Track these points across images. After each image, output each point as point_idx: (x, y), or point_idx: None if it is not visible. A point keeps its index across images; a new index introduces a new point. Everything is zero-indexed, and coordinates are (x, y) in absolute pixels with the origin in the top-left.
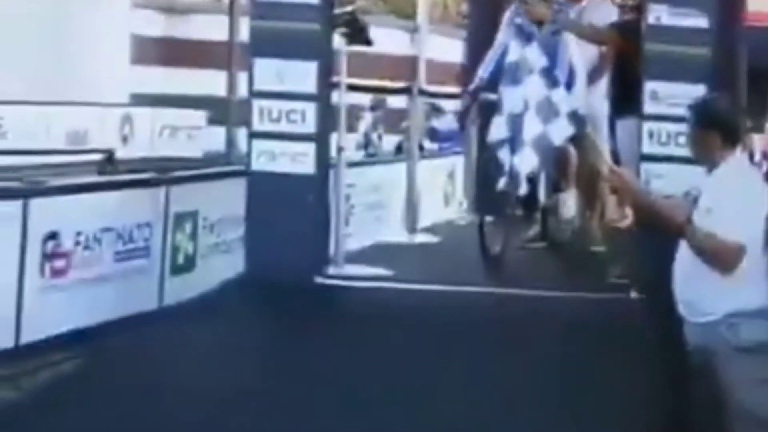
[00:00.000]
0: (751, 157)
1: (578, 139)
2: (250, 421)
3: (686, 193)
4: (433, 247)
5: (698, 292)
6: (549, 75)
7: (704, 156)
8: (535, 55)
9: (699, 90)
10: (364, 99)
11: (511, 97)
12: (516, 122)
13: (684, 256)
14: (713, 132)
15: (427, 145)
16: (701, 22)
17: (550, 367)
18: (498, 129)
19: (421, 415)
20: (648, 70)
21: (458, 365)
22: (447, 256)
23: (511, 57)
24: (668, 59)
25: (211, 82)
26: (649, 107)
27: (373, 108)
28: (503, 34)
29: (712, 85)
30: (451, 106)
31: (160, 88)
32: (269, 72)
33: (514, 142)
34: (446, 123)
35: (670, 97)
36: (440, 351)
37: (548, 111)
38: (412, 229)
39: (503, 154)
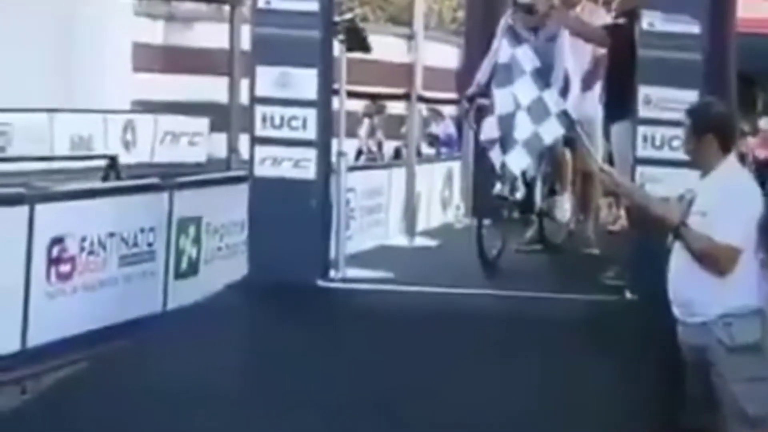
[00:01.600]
0: (743, 159)
1: (572, 143)
2: (255, 422)
3: (680, 196)
4: (431, 250)
5: (693, 294)
6: (541, 76)
7: (700, 160)
8: (526, 57)
9: (691, 95)
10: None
11: (502, 98)
12: (507, 122)
13: (678, 258)
14: (710, 136)
15: (426, 149)
16: (693, 28)
17: (547, 366)
18: (489, 129)
19: (423, 415)
20: (641, 75)
21: (458, 365)
22: (445, 258)
23: (502, 58)
24: (661, 65)
25: (212, 89)
26: (643, 112)
27: (366, 114)
28: (499, 41)
29: (703, 89)
30: (448, 111)
31: (163, 95)
32: (271, 79)
33: (505, 141)
34: (444, 128)
35: (663, 101)
36: (440, 351)
37: (540, 111)
38: (411, 232)
39: (494, 155)
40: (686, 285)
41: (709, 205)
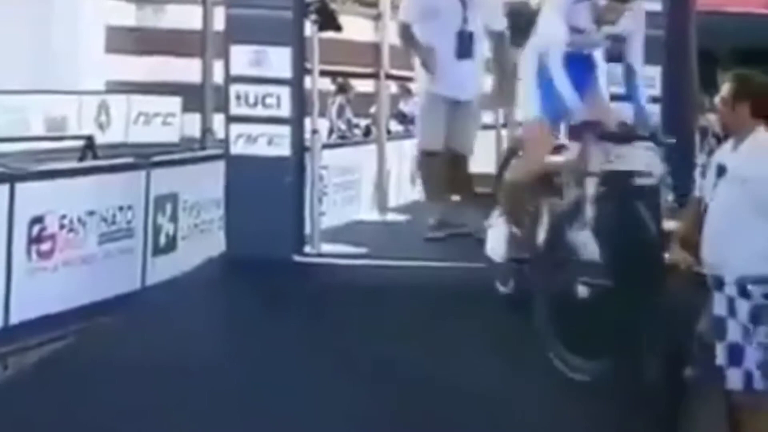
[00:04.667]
0: (704, 133)
1: None
2: (232, 395)
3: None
4: (402, 225)
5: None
6: None
7: (735, 127)
8: None
9: (653, 71)
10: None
11: None
12: None
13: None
14: (746, 104)
15: (395, 127)
16: (654, 5)
17: (520, 333)
18: None
19: (395, 387)
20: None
21: (430, 337)
22: (416, 233)
23: None
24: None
25: (185, 70)
26: None
27: (335, 93)
28: None
29: (666, 66)
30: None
31: (136, 77)
32: (245, 58)
33: None
34: (413, 106)
35: None
36: (413, 322)
37: None
38: (382, 208)
39: None
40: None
41: (753, 173)
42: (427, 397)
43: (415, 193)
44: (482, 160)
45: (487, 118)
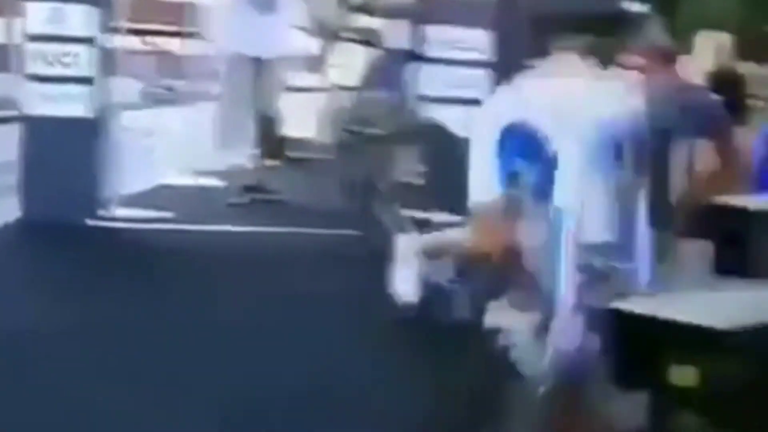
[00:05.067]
0: None
1: None
2: (23, 364)
3: None
4: (213, 190)
5: None
6: None
7: None
8: None
9: (480, 35)
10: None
11: None
12: None
13: None
14: None
15: (206, 87)
16: None
17: (332, 303)
18: None
19: (196, 354)
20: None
21: (235, 303)
22: (226, 198)
23: None
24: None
25: None
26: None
27: (145, 52)
28: None
29: (496, 30)
30: None
31: None
32: (42, 15)
33: None
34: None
35: (453, 41)
36: (207, 287)
37: None
38: (192, 172)
39: None
40: None
41: None
42: (227, 360)
43: (231, 156)
44: (303, 124)
45: (312, 80)
